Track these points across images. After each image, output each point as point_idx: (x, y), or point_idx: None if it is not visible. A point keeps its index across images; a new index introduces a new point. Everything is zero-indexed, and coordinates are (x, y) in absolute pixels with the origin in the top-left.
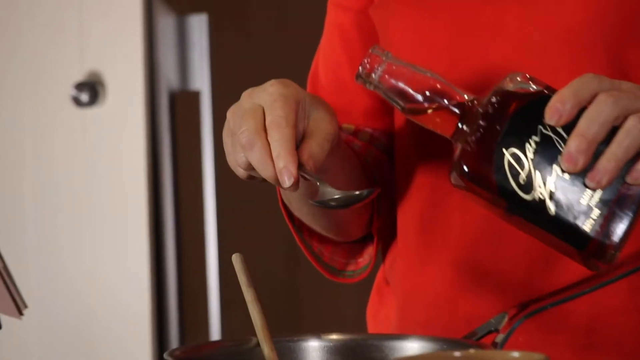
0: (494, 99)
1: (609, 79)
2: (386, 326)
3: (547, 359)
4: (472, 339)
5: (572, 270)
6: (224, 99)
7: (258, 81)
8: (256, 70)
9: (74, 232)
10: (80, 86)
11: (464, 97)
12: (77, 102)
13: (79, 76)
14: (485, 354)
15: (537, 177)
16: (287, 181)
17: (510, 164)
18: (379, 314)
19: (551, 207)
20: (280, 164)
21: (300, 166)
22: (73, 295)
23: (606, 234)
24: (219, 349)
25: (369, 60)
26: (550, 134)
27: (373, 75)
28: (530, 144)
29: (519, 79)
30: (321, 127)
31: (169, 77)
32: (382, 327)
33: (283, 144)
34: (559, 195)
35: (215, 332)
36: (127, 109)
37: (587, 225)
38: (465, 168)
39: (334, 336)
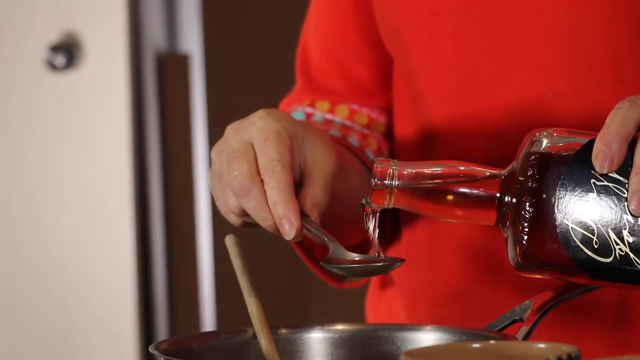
0: (531, 171)
1: (636, 97)
2: (389, 319)
3: (577, 351)
4: (494, 330)
5: None
6: (216, 62)
7: (255, 44)
8: (253, 31)
9: (50, 210)
10: (54, 48)
11: (496, 176)
12: (51, 66)
13: (53, 36)
14: (507, 345)
15: (611, 236)
16: (288, 232)
17: (577, 234)
18: (380, 305)
19: (637, 259)
20: (279, 213)
21: (302, 215)
22: (46, 282)
23: None
24: (210, 341)
25: (378, 174)
26: (607, 183)
27: (389, 188)
28: (588, 205)
29: (555, 134)
30: (320, 165)
31: (155, 37)
32: (383, 320)
33: (280, 191)
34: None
35: (208, 323)
36: (108, 74)
37: None
38: (529, 255)
39: (340, 327)
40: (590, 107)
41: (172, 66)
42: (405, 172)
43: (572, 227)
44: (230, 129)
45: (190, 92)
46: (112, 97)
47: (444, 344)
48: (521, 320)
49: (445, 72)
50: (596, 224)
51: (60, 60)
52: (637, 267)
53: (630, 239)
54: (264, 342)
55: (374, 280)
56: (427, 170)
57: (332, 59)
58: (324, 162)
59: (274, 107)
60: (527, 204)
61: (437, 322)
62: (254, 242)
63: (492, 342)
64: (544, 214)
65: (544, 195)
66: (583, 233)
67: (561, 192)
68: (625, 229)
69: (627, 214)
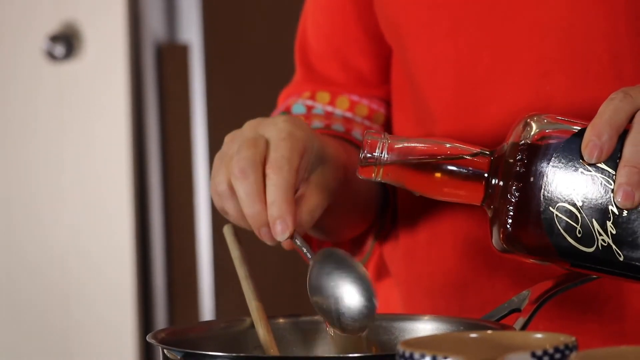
0: (520, 155)
1: (634, 90)
2: (385, 310)
3: (574, 340)
4: (491, 320)
5: None
6: (216, 52)
7: (255, 34)
8: (253, 21)
9: (49, 200)
10: (54, 38)
11: (485, 155)
12: (51, 56)
13: (53, 27)
14: (505, 335)
15: (595, 226)
16: (279, 234)
17: (561, 221)
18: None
19: (619, 251)
20: (274, 212)
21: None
22: (46, 274)
23: None
24: (208, 330)
25: (368, 147)
26: (594, 173)
27: (377, 161)
28: (576, 193)
29: (545, 120)
30: (323, 184)
31: (154, 28)
32: (379, 311)
33: (281, 190)
34: (624, 235)
35: (207, 312)
36: (107, 65)
37: None
38: (512, 239)
39: None
40: (588, 101)
41: (172, 56)
42: (395, 146)
43: (556, 215)
44: (251, 123)
45: (190, 82)
46: (111, 87)
47: (441, 334)
48: (519, 310)
49: (444, 65)
50: (581, 213)
51: (59, 50)
52: (618, 258)
53: (614, 231)
54: (262, 331)
55: (370, 272)
56: (418, 145)
57: (331, 48)
58: (328, 183)
59: (274, 97)
60: (514, 187)
61: (434, 313)
62: (252, 232)
63: (489, 332)
64: (530, 199)
65: (531, 180)
66: (567, 221)
67: (548, 178)
68: (609, 220)
69: (612, 206)
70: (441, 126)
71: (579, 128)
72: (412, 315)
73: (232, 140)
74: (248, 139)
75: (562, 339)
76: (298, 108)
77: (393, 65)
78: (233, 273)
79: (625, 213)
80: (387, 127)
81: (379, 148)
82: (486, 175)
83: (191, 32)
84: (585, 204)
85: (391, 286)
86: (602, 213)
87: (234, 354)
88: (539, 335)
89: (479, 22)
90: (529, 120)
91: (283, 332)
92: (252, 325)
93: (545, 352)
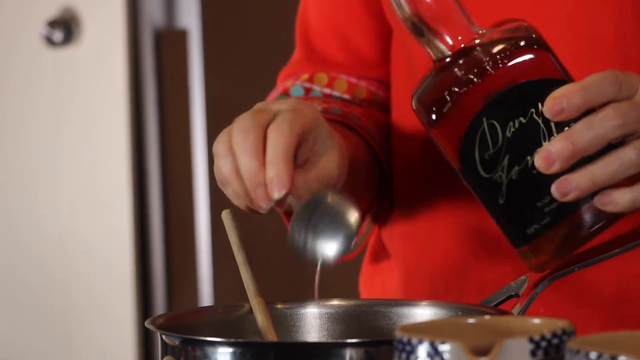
0: (500, 58)
1: (633, 80)
2: (382, 294)
3: (571, 325)
4: (489, 305)
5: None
6: (215, 38)
7: (254, 20)
8: (251, 5)
9: (47, 188)
10: (52, 24)
11: (470, 31)
12: (49, 41)
13: (51, 12)
14: (502, 321)
15: (504, 160)
16: (275, 191)
17: (483, 135)
18: (373, 279)
19: (504, 195)
20: (271, 171)
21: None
22: (44, 259)
23: (544, 246)
24: (207, 316)
25: None
26: (540, 122)
27: None
28: (514, 123)
29: (533, 35)
30: (325, 165)
31: (153, 13)
32: (376, 294)
33: (280, 150)
34: (518, 188)
35: (206, 298)
36: (106, 50)
37: (530, 229)
38: (434, 114)
39: (336, 302)
40: None
41: (170, 42)
42: None
43: (484, 127)
44: (258, 104)
45: (188, 67)
46: (110, 72)
47: (439, 319)
48: (517, 295)
49: None
50: (504, 141)
51: (58, 35)
52: (498, 200)
53: (514, 177)
54: (260, 317)
55: (367, 255)
56: None
57: (331, 25)
58: (330, 166)
59: (273, 82)
60: (473, 78)
61: (433, 294)
62: (251, 217)
63: (487, 317)
64: (475, 99)
65: (491, 86)
66: (488, 138)
67: (503, 95)
68: (519, 166)
69: (531, 157)
70: None
71: (560, 79)
72: (410, 300)
73: (244, 116)
74: (255, 110)
75: (559, 324)
76: (296, 90)
77: (393, 45)
78: (232, 258)
79: (535, 171)
80: (386, 109)
81: None
82: (462, 45)
83: (190, 17)
84: (513, 137)
85: (388, 270)
86: (518, 156)
87: (232, 340)
88: (536, 321)
89: (482, 3)
90: (526, 26)
91: (281, 318)
92: (251, 311)
93: (543, 338)
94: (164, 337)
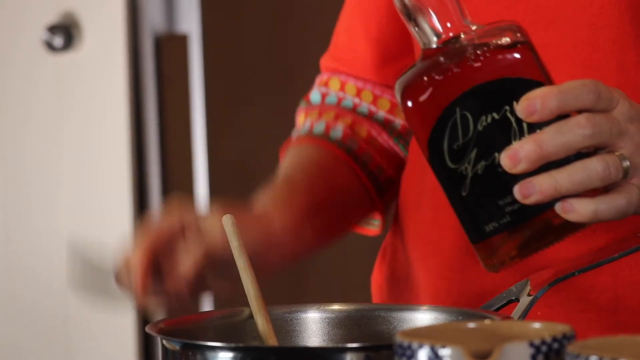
0: (481, 50)
1: (614, 95)
2: (392, 299)
3: (571, 330)
4: (490, 310)
5: (599, 236)
6: (215, 43)
7: (255, 23)
8: (252, 10)
9: (47, 191)
10: (53, 29)
11: (461, 24)
12: (50, 46)
13: (52, 17)
14: (502, 325)
15: (472, 153)
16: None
17: (454, 125)
18: (384, 284)
19: (467, 188)
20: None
21: None
22: (44, 261)
23: (499, 246)
24: (207, 321)
25: None
26: (512, 120)
27: None
28: (486, 118)
29: (519, 35)
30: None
31: (153, 18)
32: (388, 299)
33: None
34: (482, 183)
35: (207, 302)
36: (106, 55)
37: (489, 226)
38: (411, 99)
39: (336, 307)
40: None
41: (171, 47)
42: None
43: (455, 117)
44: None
45: (189, 72)
46: (110, 77)
47: (439, 324)
48: (517, 300)
49: None
50: (474, 134)
51: (58, 40)
52: (461, 192)
53: (480, 171)
54: (261, 321)
55: (379, 255)
56: None
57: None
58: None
59: (273, 88)
60: (450, 70)
61: (435, 293)
62: None
63: (487, 321)
64: (452, 89)
65: (466, 80)
66: (458, 129)
67: (480, 89)
68: (486, 161)
69: (498, 154)
70: None
71: (539, 81)
72: (411, 305)
73: None
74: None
75: (560, 328)
76: (315, 97)
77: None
78: (232, 263)
79: (500, 169)
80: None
81: None
82: (451, 34)
83: (190, 22)
84: (484, 131)
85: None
86: (486, 151)
87: (233, 345)
88: (537, 325)
89: (482, 7)
90: (516, 27)
91: (282, 323)
92: (251, 316)
93: (543, 342)
94: (164, 341)
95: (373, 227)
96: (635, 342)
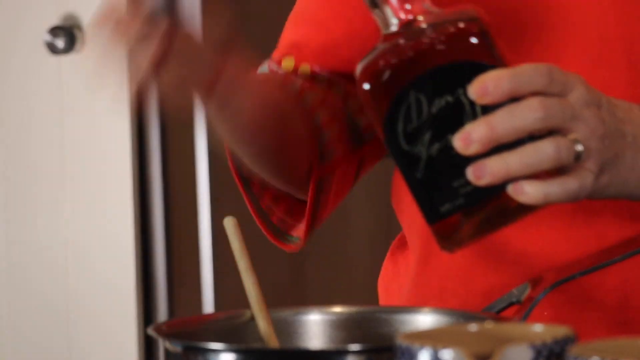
0: (437, 34)
1: (570, 79)
2: (399, 298)
3: (573, 333)
4: (492, 312)
5: (601, 237)
6: None
7: (255, 26)
8: (253, 12)
9: (50, 194)
10: (55, 30)
11: (421, 8)
12: (52, 48)
13: (54, 19)
14: (503, 328)
15: (426, 135)
16: None
17: (409, 107)
18: (392, 284)
19: (422, 170)
20: None
21: None
22: (48, 265)
23: (456, 227)
24: (209, 323)
25: None
26: (466, 103)
27: None
28: (440, 100)
29: (477, 20)
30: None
31: None
32: (395, 299)
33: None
34: (436, 164)
35: (208, 305)
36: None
37: (444, 207)
38: (369, 82)
39: (338, 309)
40: (598, 87)
41: None
42: None
43: (410, 101)
44: None
45: None
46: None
47: (441, 327)
48: (519, 302)
49: None
50: (428, 117)
51: (60, 42)
52: (415, 174)
53: (434, 153)
54: (262, 323)
55: (387, 260)
56: None
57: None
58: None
59: None
60: (406, 53)
61: (440, 296)
62: (253, 224)
63: (488, 324)
64: (407, 72)
65: (421, 64)
66: (413, 112)
67: (434, 72)
68: (439, 143)
69: (451, 137)
70: None
71: (492, 65)
72: (412, 307)
73: None
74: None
75: (561, 331)
76: (262, 70)
77: None
78: (234, 265)
79: (454, 151)
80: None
81: None
82: (410, 17)
83: (191, 22)
84: (438, 114)
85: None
86: (440, 133)
87: (234, 346)
88: (538, 328)
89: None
90: (472, 12)
91: (283, 325)
92: (253, 318)
93: (544, 344)
94: (166, 343)
95: (292, 243)
96: (638, 345)
